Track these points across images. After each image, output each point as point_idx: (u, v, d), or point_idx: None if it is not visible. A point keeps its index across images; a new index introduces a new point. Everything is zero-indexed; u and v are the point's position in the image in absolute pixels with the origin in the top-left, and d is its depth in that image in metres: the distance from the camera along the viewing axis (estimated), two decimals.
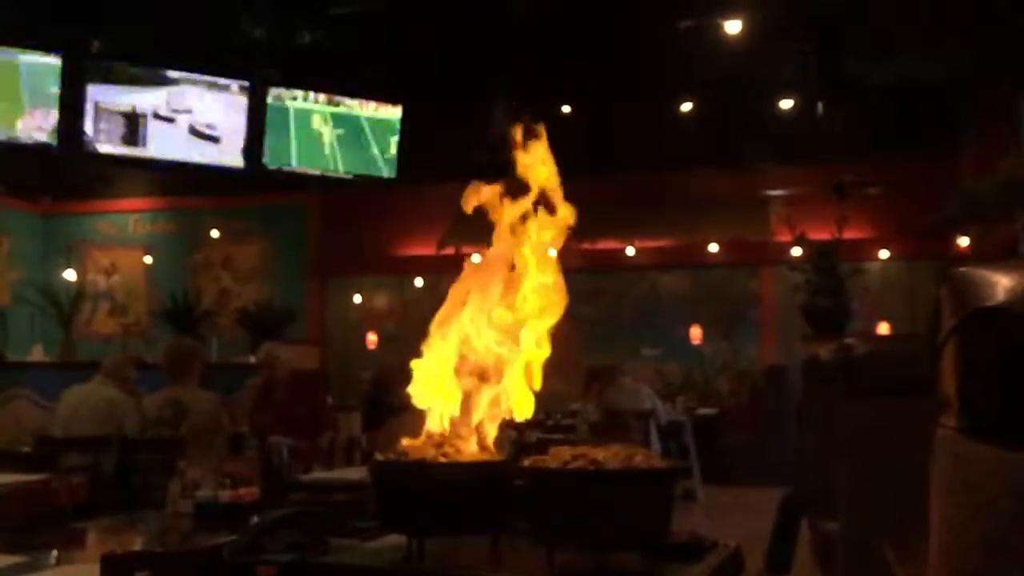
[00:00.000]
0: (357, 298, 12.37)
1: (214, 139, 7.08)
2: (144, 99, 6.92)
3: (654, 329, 11.37)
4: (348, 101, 7.50)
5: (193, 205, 12.43)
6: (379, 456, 2.04)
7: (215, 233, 12.50)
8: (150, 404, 5.24)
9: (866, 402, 2.33)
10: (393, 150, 7.60)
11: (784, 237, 9.88)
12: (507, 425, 2.15)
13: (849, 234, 8.96)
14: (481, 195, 2.10)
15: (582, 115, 8.97)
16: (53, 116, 6.63)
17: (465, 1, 7.10)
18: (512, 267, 2.11)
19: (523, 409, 2.10)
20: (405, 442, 2.05)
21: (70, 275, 11.68)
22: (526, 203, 2.12)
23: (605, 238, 11.25)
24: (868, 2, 6.91)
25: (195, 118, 7.04)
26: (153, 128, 6.94)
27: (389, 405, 8.68)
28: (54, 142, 6.65)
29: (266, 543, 2.04)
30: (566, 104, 8.91)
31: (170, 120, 6.97)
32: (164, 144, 7.01)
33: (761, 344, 11.14)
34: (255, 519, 2.18)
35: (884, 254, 10.58)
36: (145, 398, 5.43)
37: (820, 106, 8.64)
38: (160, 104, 6.95)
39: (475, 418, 2.07)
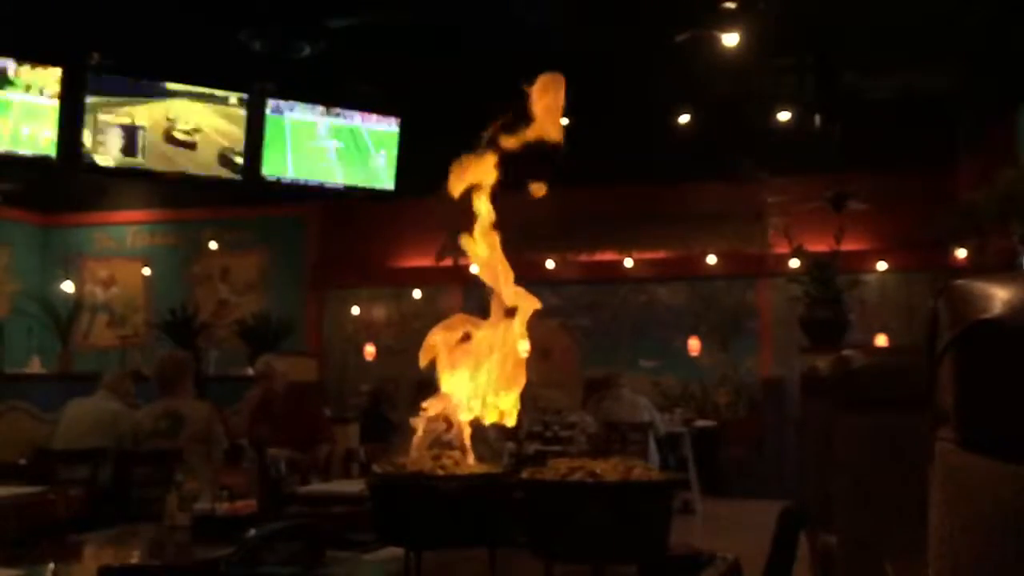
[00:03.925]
0: (355, 310, 12.37)
1: (187, 142, 7.09)
2: (143, 112, 6.93)
3: (652, 341, 11.36)
4: (347, 113, 7.52)
5: (191, 217, 12.44)
6: (377, 468, 2.04)
7: (213, 245, 12.50)
8: (145, 416, 5.23)
9: (864, 414, 2.33)
10: (392, 162, 7.61)
11: (782, 249, 9.89)
12: (503, 436, 2.16)
13: (847, 246, 8.97)
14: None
15: (580, 127, 8.98)
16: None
17: (464, 15, 7.12)
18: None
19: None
20: (403, 454, 2.05)
21: (68, 287, 11.67)
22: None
23: (603, 250, 11.28)
24: (866, 15, 6.93)
25: (193, 130, 7.06)
26: (151, 140, 6.95)
27: (387, 417, 8.69)
28: (54, 154, 6.67)
29: (264, 556, 2.04)
30: (564, 116, 8.91)
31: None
32: (162, 156, 7.01)
33: (759, 356, 11.14)
34: (253, 532, 2.18)
35: (882, 266, 10.59)
36: (140, 410, 5.43)
37: (818, 119, 8.66)
38: (160, 119, 6.96)
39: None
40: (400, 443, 2.48)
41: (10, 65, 6.53)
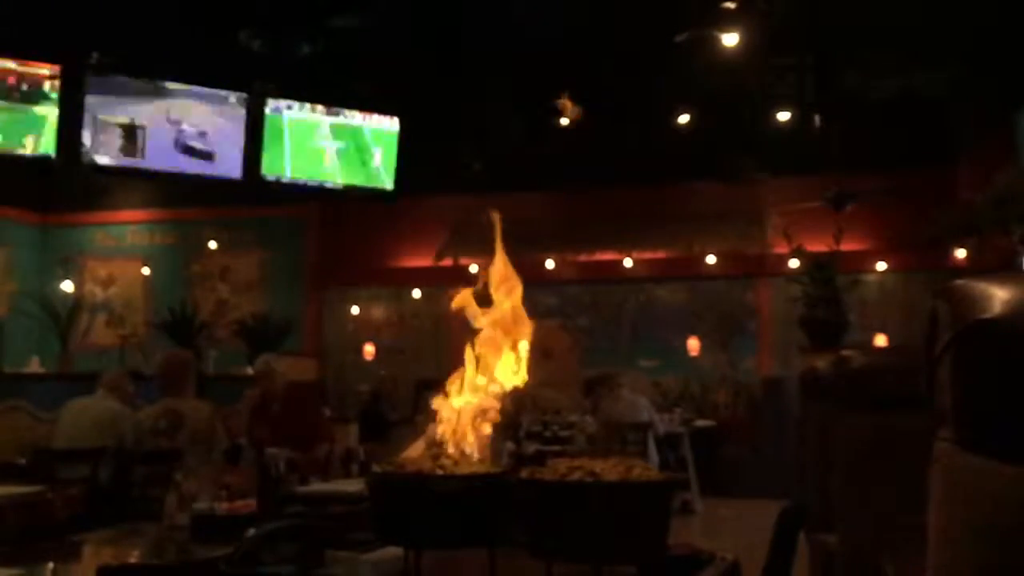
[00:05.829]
0: (355, 309, 12.37)
1: (204, 151, 7.08)
2: (143, 111, 6.93)
3: (651, 341, 11.37)
4: (347, 113, 7.51)
5: (191, 216, 12.44)
6: (376, 468, 2.04)
7: (213, 244, 12.50)
8: (146, 416, 5.23)
9: (864, 414, 2.33)
10: (392, 162, 7.61)
11: (781, 249, 9.89)
12: (504, 436, 2.16)
13: (846, 246, 8.98)
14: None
15: (581, 127, 8.99)
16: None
17: (464, 15, 7.12)
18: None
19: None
20: (403, 454, 2.05)
21: (68, 286, 11.67)
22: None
23: (603, 250, 11.27)
24: (866, 15, 6.93)
25: (194, 130, 7.05)
26: (151, 140, 6.94)
27: (387, 417, 8.70)
28: (55, 154, 6.66)
29: (263, 556, 2.03)
30: (564, 117, 8.93)
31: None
32: (162, 156, 7.01)
33: (758, 356, 11.14)
34: (252, 531, 2.18)
35: (881, 266, 10.59)
36: (141, 410, 5.43)
37: (818, 119, 8.66)
38: (161, 119, 6.95)
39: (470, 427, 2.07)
40: (399, 441, 2.49)
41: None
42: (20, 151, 6.55)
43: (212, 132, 7.10)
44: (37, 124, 6.55)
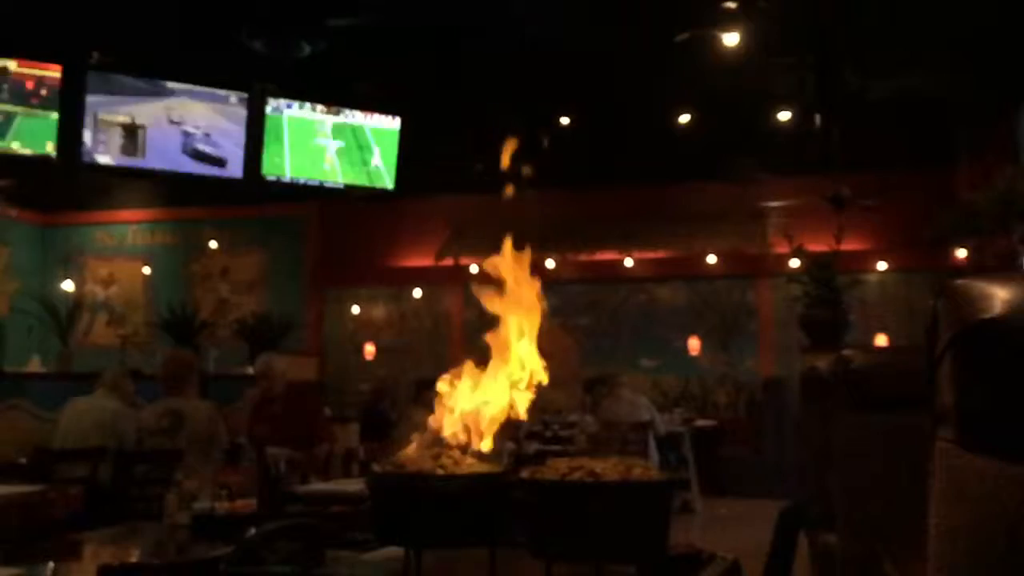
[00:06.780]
0: (355, 309, 12.37)
1: (214, 156, 7.07)
2: (143, 110, 6.92)
3: (652, 340, 11.37)
4: (348, 112, 7.50)
5: (192, 216, 12.44)
6: (377, 468, 2.04)
7: (213, 244, 12.51)
8: (149, 415, 5.23)
9: (864, 414, 2.32)
10: (393, 161, 7.61)
11: (781, 249, 9.89)
12: (505, 436, 2.16)
13: (847, 246, 8.95)
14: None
15: (582, 127, 8.99)
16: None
17: (465, 15, 7.12)
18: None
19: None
20: (403, 453, 2.05)
21: (68, 286, 11.68)
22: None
23: (603, 249, 11.28)
24: (866, 15, 6.93)
25: (200, 133, 7.04)
26: (152, 139, 6.94)
27: (387, 417, 8.69)
28: (55, 154, 6.66)
29: (263, 555, 2.03)
30: (566, 116, 8.93)
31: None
32: (162, 155, 7.00)
33: (759, 356, 11.14)
34: (252, 531, 2.18)
35: (882, 266, 10.59)
36: (144, 409, 5.43)
37: (818, 119, 8.65)
38: (162, 118, 6.94)
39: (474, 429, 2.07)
40: (399, 441, 2.48)
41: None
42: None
43: (215, 133, 7.09)
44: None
